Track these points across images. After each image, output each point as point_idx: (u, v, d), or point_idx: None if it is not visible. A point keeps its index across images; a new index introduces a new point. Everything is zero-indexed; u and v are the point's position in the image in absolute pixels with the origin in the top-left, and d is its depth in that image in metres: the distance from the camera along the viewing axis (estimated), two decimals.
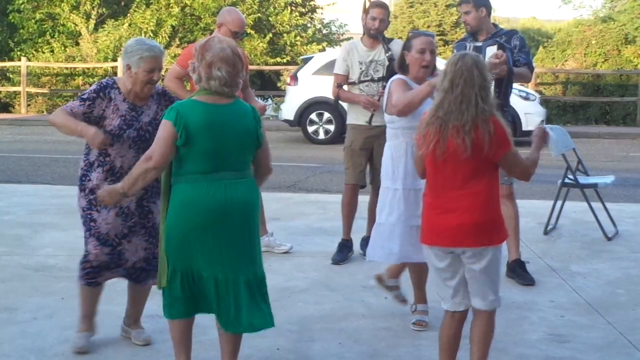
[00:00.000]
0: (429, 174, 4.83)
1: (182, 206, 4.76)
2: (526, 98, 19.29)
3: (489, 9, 7.46)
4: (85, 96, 5.34)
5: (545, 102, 21.73)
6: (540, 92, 23.69)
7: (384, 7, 7.95)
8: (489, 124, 4.61)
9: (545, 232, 9.29)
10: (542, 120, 18.96)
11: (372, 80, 7.81)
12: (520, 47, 7.32)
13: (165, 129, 4.71)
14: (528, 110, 18.90)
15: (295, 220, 9.68)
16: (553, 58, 27.69)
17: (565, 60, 27.09)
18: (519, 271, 7.41)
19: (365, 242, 7.88)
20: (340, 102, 8.31)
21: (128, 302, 5.80)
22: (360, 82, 7.85)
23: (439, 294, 4.97)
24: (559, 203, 9.52)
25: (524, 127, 18.37)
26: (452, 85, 4.63)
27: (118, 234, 5.43)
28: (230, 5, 9.20)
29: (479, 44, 7.10)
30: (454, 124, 4.60)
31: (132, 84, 5.35)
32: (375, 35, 7.83)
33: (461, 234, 4.71)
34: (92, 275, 5.48)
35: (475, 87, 4.61)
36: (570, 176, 9.33)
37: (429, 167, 4.80)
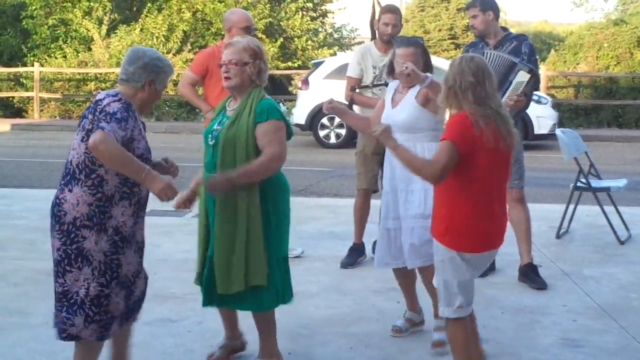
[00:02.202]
0: (482, 177, 4.69)
1: (287, 192, 5.31)
2: (538, 101, 19.25)
3: (496, 12, 7.45)
4: (119, 115, 4.49)
5: (557, 105, 21.67)
6: (552, 96, 23.63)
7: (396, 12, 7.98)
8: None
9: (558, 236, 9.27)
10: (554, 124, 18.94)
11: (386, 84, 7.81)
12: (529, 55, 7.30)
13: (282, 128, 5.16)
14: (540, 113, 18.85)
15: (307, 225, 9.68)
16: (565, 61, 27.64)
17: (577, 64, 27.05)
18: (531, 275, 7.40)
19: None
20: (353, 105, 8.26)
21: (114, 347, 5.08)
22: (374, 85, 7.85)
23: (460, 302, 4.81)
24: (571, 207, 9.50)
25: (536, 131, 18.35)
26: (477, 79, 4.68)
27: (134, 273, 4.82)
28: (243, 9, 9.19)
29: (515, 60, 7.08)
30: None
31: (147, 100, 4.76)
32: (389, 40, 7.84)
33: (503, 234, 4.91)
34: (108, 327, 4.69)
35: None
36: (583, 180, 9.31)
37: (484, 168, 4.67)
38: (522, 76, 7.02)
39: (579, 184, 9.35)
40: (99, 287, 4.57)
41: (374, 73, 7.88)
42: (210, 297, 5.30)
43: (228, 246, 5.12)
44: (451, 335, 4.90)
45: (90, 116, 4.57)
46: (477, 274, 4.95)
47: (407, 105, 5.91)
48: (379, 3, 8.67)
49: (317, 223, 9.85)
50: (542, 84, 22.56)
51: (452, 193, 4.72)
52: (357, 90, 7.96)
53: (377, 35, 8.03)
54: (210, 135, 5.24)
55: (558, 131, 9.71)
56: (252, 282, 5.13)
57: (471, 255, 4.75)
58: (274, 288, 5.23)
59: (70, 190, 4.56)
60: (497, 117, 4.66)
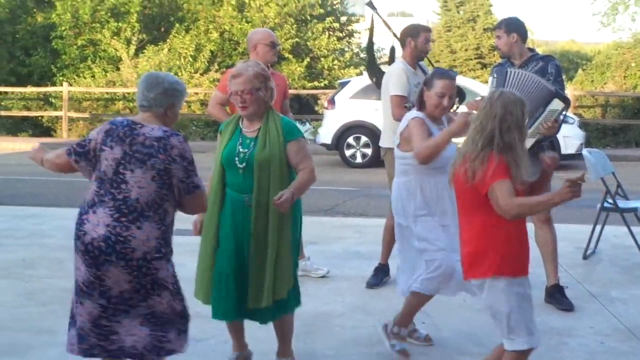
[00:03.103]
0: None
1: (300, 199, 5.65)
2: (565, 121, 19.14)
3: (522, 35, 7.44)
4: (192, 158, 4.71)
5: (584, 125, 21.61)
6: (579, 115, 23.57)
7: (430, 30, 8.04)
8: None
9: (585, 257, 9.23)
10: (581, 144, 18.86)
11: None
12: (555, 77, 7.30)
13: (306, 143, 5.56)
14: (567, 133, 18.74)
15: (333, 245, 9.69)
16: (592, 81, 27.62)
17: (605, 83, 27.00)
18: (557, 296, 7.37)
19: None
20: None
21: None
22: (414, 105, 7.78)
23: (528, 326, 4.72)
24: (598, 227, 9.46)
25: (563, 151, 18.26)
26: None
27: None
28: (270, 30, 9.27)
29: (551, 87, 7.09)
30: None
31: (169, 124, 4.85)
32: (424, 57, 7.89)
33: None
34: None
35: (496, 119, 4.59)
36: (610, 200, 9.27)
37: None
38: (557, 104, 7.06)
39: (606, 204, 9.31)
40: (181, 303, 4.79)
41: (415, 91, 7.82)
42: (227, 311, 5.48)
43: (262, 261, 5.36)
44: None
45: (161, 156, 4.59)
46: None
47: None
48: (385, 23, 8.62)
49: (343, 243, 9.86)
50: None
51: (488, 227, 4.63)
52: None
53: (408, 54, 7.91)
54: (237, 159, 5.38)
55: (585, 151, 9.68)
56: (278, 296, 5.41)
57: (523, 279, 4.70)
58: (296, 289, 5.65)
59: (139, 228, 4.57)
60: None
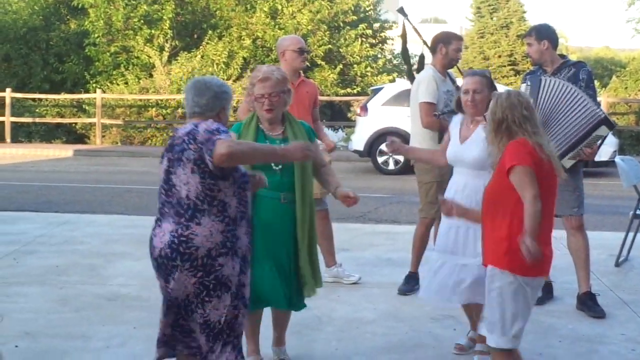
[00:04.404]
0: (544, 201, 4.68)
1: None
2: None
3: (553, 42, 7.42)
4: (223, 127, 4.67)
5: (617, 132, 21.50)
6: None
7: (462, 38, 8.05)
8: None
9: (617, 264, 9.18)
10: (615, 151, 18.74)
11: (452, 111, 7.82)
12: (587, 83, 7.28)
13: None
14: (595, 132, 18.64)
15: (365, 251, 9.70)
16: (626, 87, 27.46)
17: (639, 90, 26.80)
18: (589, 303, 7.34)
19: None
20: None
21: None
22: (446, 113, 7.78)
23: (516, 331, 4.80)
24: (631, 234, 9.40)
25: (596, 158, 18.01)
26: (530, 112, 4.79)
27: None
28: (301, 37, 9.31)
29: (601, 114, 7.07)
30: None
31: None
32: (454, 65, 7.91)
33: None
34: (240, 349, 4.86)
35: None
36: None
37: (545, 191, 4.69)
38: (604, 131, 7.04)
39: (638, 211, 9.26)
40: (234, 310, 4.70)
41: (444, 98, 7.84)
42: (278, 300, 5.64)
43: (311, 252, 5.72)
44: None
45: (192, 146, 4.57)
46: (532, 302, 4.92)
47: (477, 141, 5.84)
48: (416, 30, 8.61)
49: (375, 249, 9.86)
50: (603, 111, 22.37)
51: (514, 214, 4.67)
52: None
53: (438, 60, 7.94)
54: None
55: (617, 158, 9.64)
56: (320, 283, 5.84)
57: (529, 279, 4.72)
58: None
59: (198, 224, 4.56)
60: (549, 148, 4.73)
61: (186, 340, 4.81)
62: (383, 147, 19.34)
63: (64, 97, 28.38)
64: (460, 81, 7.17)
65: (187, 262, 4.54)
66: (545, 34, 7.42)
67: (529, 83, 7.30)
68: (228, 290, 4.65)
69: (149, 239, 4.73)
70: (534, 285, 4.79)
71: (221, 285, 4.62)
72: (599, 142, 7.19)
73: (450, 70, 8.06)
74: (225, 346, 4.72)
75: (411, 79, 8.36)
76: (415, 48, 9.32)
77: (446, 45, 7.86)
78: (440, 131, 7.63)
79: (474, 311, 6.10)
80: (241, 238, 4.70)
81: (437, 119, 7.67)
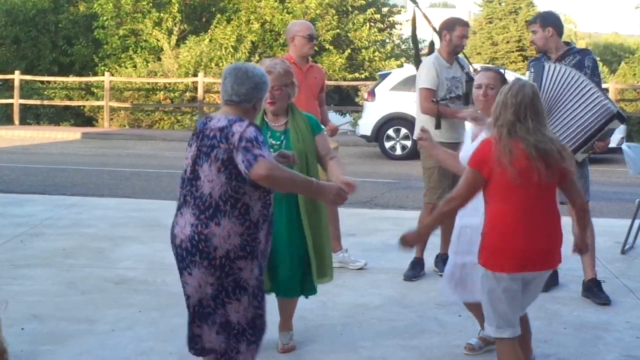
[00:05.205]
0: (512, 197, 4.75)
1: None
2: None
3: (558, 29, 7.41)
4: (261, 139, 4.47)
5: (626, 118, 21.40)
6: (621, 109, 23.27)
7: (468, 25, 8.05)
8: None
9: (623, 252, 9.18)
10: (622, 137, 18.69)
11: (458, 97, 7.83)
12: (592, 70, 7.27)
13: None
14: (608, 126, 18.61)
15: (371, 237, 9.71)
16: (634, 74, 27.35)
17: None
18: (594, 290, 7.35)
19: (439, 259, 7.93)
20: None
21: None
22: (450, 98, 7.78)
23: (498, 323, 4.84)
24: (637, 222, 9.39)
25: None
26: (517, 116, 4.75)
27: None
28: (310, 22, 9.33)
29: (613, 109, 6.99)
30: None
31: (254, 118, 4.79)
32: (459, 52, 7.91)
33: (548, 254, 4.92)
34: (260, 344, 4.86)
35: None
36: None
37: (513, 188, 4.74)
38: (615, 124, 7.04)
39: None
40: (254, 311, 4.68)
41: (447, 85, 7.84)
42: (292, 289, 5.83)
43: (320, 242, 5.84)
44: (498, 354, 4.93)
45: (222, 145, 4.45)
46: (523, 296, 4.88)
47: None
48: (425, 16, 8.58)
49: (381, 235, 9.86)
50: (612, 97, 22.30)
51: (489, 213, 4.79)
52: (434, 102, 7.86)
53: (443, 47, 7.97)
54: (271, 150, 5.52)
55: (624, 146, 9.63)
56: (329, 273, 6.02)
57: (503, 274, 4.71)
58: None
59: (217, 224, 4.48)
60: (535, 152, 4.62)
61: (213, 341, 4.75)
62: (390, 132, 19.40)
63: (72, 79, 28.44)
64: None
65: (206, 260, 4.51)
66: (550, 21, 7.41)
67: (532, 70, 7.29)
68: (246, 292, 4.61)
69: (170, 226, 4.69)
70: (513, 279, 4.73)
71: (240, 288, 4.59)
72: (610, 134, 7.21)
73: (461, 57, 8.07)
74: (251, 345, 4.72)
75: (417, 64, 8.36)
76: (425, 34, 9.31)
77: (450, 32, 7.88)
78: (438, 117, 7.71)
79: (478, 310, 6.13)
80: (262, 242, 4.63)
81: (434, 105, 7.78)
